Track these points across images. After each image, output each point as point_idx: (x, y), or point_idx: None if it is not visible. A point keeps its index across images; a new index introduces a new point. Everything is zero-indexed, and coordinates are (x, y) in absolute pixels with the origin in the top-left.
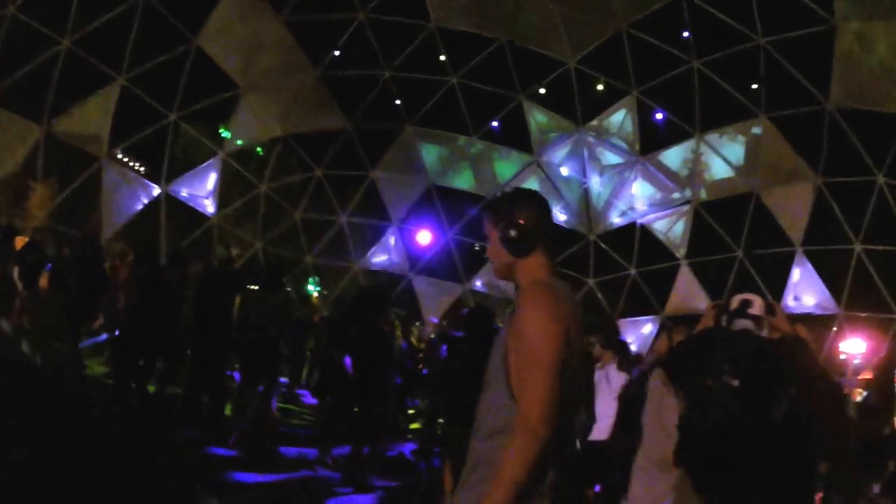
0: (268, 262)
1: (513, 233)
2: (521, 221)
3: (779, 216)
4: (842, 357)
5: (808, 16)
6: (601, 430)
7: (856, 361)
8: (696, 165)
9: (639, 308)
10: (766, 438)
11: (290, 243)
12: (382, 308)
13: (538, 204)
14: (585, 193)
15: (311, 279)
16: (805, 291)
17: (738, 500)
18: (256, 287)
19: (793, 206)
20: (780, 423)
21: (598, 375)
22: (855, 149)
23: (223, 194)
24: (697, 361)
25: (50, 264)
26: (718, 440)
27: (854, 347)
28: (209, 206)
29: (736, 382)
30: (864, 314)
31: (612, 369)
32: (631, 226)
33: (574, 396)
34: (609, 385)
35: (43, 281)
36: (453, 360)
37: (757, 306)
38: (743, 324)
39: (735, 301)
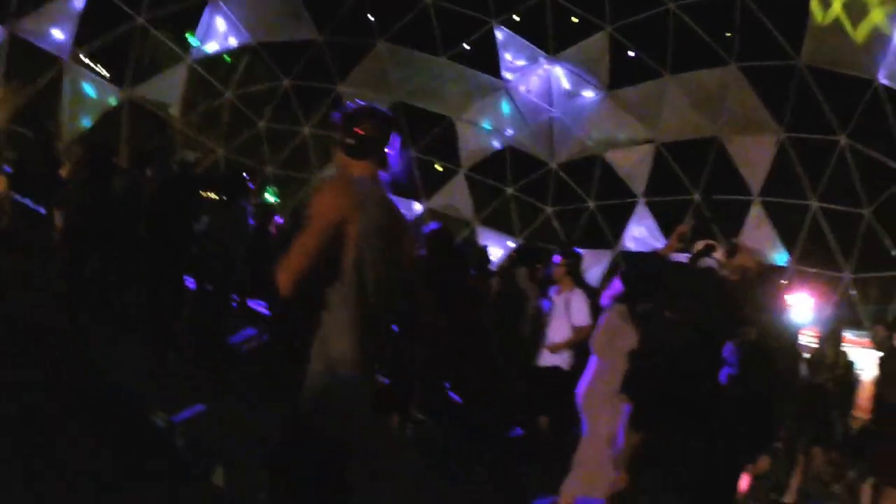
0: (228, 171)
1: (350, 140)
2: (361, 133)
3: (739, 164)
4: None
5: None
6: (553, 356)
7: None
8: (662, 106)
9: (593, 241)
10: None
11: (252, 152)
12: None
13: (381, 122)
14: (550, 122)
15: (268, 189)
16: (758, 241)
17: (704, 443)
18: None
19: (754, 157)
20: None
21: (557, 301)
22: (821, 108)
23: (188, 101)
24: (661, 293)
25: (8, 167)
26: (675, 373)
27: (801, 301)
28: (173, 112)
29: (695, 317)
30: (813, 270)
31: (574, 296)
32: (593, 159)
33: (380, 290)
34: (567, 311)
35: (1, 184)
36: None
37: (720, 252)
38: (707, 262)
39: (700, 244)
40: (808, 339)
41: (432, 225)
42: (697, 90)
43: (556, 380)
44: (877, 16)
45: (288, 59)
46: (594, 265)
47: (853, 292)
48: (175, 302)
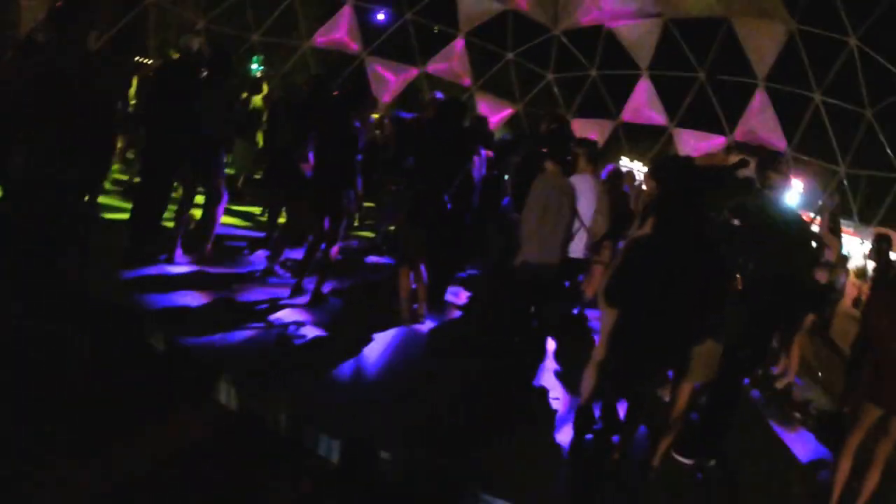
0: (212, 50)
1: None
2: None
3: (748, 48)
4: None
5: None
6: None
7: None
8: None
9: (593, 110)
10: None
11: (235, 20)
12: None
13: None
14: None
15: (254, 58)
16: (759, 125)
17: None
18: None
19: (763, 42)
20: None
21: (583, 186)
22: (836, 7)
23: None
24: (699, 196)
25: None
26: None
27: (794, 185)
28: None
29: (737, 222)
30: (807, 158)
31: (589, 181)
32: (598, 27)
33: None
34: (588, 198)
35: None
36: (418, 151)
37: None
38: (746, 173)
39: (735, 157)
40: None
41: (438, 94)
42: None
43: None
44: None
45: None
46: (594, 133)
47: (846, 182)
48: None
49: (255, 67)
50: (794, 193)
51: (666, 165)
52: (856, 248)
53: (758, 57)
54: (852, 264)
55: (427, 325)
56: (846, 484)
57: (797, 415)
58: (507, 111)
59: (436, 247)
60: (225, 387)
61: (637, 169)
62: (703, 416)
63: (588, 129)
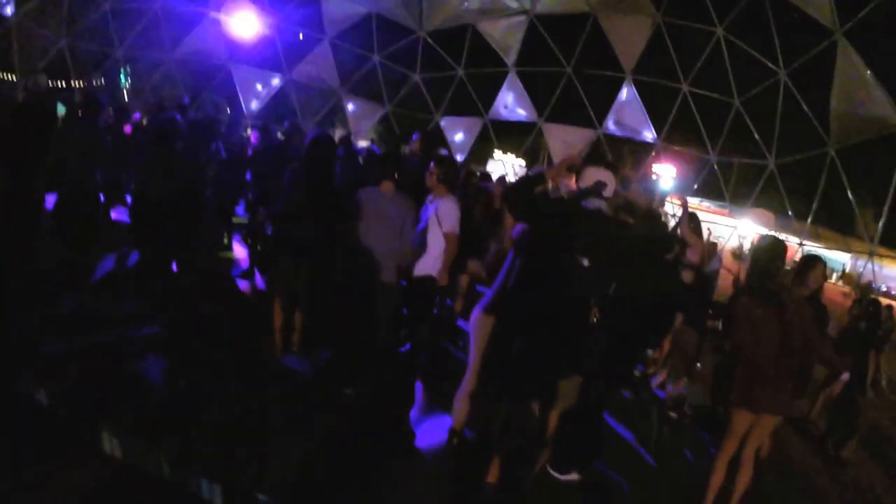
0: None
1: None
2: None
3: (614, 42)
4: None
5: None
6: (426, 265)
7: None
8: None
9: (462, 108)
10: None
11: (98, 36)
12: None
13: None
14: None
15: (121, 70)
16: (628, 117)
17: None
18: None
19: (629, 35)
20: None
21: (430, 209)
22: None
23: None
24: (552, 235)
25: None
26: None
27: (665, 170)
28: (7, 9)
29: (587, 262)
30: (678, 147)
31: (443, 203)
32: (463, 27)
33: None
34: (437, 220)
35: None
36: (290, 185)
37: (610, 187)
38: (596, 203)
39: (590, 177)
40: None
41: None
42: None
43: (430, 288)
44: None
45: None
46: (463, 131)
47: (717, 168)
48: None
49: (123, 79)
50: (667, 179)
51: (515, 200)
52: (729, 229)
53: (624, 50)
54: (729, 244)
55: (302, 359)
56: (721, 487)
57: (673, 414)
58: (378, 114)
59: (308, 276)
60: (107, 437)
61: (510, 162)
62: (572, 436)
63: (457, 128)
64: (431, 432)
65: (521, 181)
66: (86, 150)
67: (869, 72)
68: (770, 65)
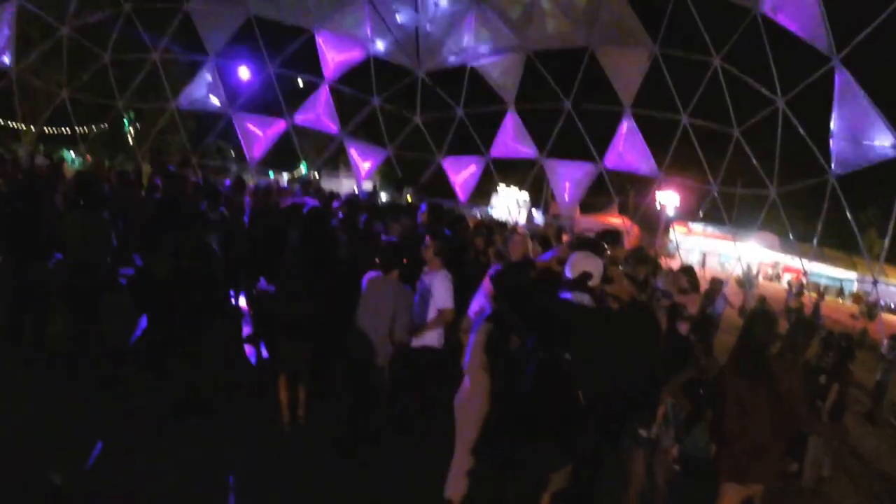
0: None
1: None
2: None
3: (611, 76)
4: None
5: None
6: (424, 337)
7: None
8: (533, 13)
9: (463, 148)
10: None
11: (99, 88)
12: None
13: None
14: (416, 31)
15: (125, 119)
16: (628, 150)
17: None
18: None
19: (626, 69)
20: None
21: (425, 281)
22: (696, 27)
23: (21, 43)
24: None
25: None
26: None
27: (668, 199)
28: (5, 59)
29: (569, 357)
30: (680, 178)
31: (436, 278)
32: (461, 67)
33: None
34: (432, 293)
35: None
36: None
37: (596, 276)
38: (581, 298)
39: (577, 269)
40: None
41: (309, 203)
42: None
43: (429, 359)
44: None
45: None
46: (465, 170)
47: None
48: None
49: (127, 128)
50: (670, 207)
51: (501, 288)
52: (732, 250)
53: (622, 84)
54: (734, 272)
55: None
56: None
57: (676, 467)
58: (380, 156)
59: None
60: None
61: (514, 196)
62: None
63: (459, 167)
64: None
65: (509, 269)
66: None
67: (867, 98)
68: (768, 93)
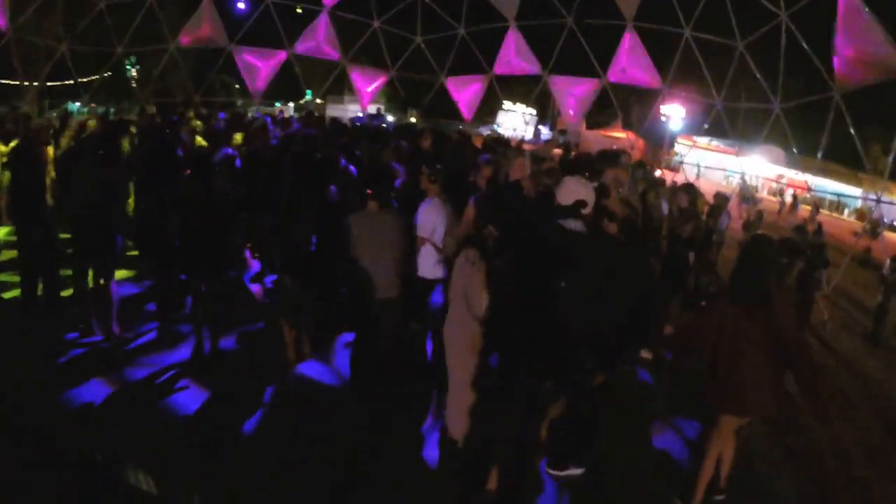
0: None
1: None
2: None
3: None
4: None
5: None
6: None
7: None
8: None
9: (466, 67)
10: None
11: (97, 36)
12: None
13: None
14: None
15: (127, 61)
16: (631, 65)
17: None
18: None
19: None
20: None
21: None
22: None
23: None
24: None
25: None
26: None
27: (674, 111)
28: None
29: (564, 284)
30: (684, 93)
31: (427, 205)
32: None
33: None
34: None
35: None
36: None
37: (589, 205)
38: (574, 225)
39: (568, 191)
40: None
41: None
42: None
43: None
44: None
45: None
46: (468, 89)
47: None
48: (48, 284)
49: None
50: (676, 120)
51: (489, 214)
52: (735, 164)
53: None
54: (734, 185)
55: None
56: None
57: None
58: (382, 79)
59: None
60: (134, 473)
61: (520, 111)
62: (569, 430)
63: (463, 87)
64: (435, 441)
65: (496, 192)
66: None
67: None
68: (771, 7)
